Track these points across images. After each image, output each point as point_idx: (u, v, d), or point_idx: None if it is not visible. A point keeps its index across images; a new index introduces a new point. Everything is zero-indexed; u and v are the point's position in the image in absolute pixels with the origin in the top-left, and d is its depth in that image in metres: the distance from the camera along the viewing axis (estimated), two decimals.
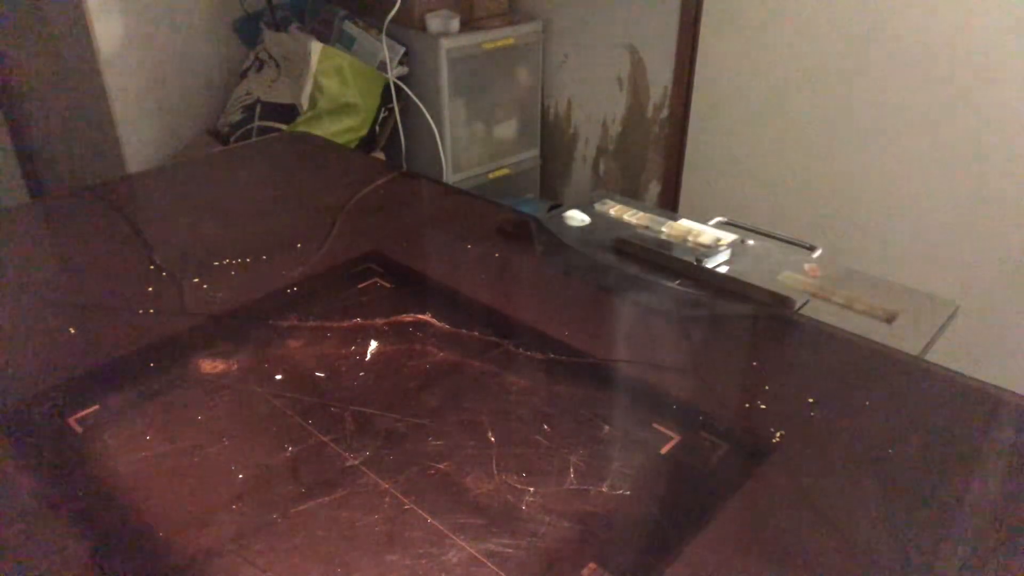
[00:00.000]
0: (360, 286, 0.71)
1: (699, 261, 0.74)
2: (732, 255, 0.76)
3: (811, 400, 0.56)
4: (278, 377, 0.59)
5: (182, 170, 1.09)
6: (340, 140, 1.66)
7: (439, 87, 1.74)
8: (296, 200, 0.91)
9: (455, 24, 1.73)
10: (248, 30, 1.83)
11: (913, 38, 1.24)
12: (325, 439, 0.52)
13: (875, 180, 1.36)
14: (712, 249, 0.76)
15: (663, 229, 0.81)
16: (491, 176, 1.93)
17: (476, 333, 0.63)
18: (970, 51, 1.19)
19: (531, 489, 0.48)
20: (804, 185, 1.46)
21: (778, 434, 0.52)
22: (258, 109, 1.70)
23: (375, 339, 0.63)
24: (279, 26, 1.76)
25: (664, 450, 0.51)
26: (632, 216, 0.85)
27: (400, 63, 1.75)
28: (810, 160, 1.44)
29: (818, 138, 1.41)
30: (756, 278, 0.71)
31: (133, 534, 0.46)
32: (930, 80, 1.24)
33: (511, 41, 1.82)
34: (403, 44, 1.75)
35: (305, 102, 1.66)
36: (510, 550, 0.44)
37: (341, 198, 0.92)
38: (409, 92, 1.76)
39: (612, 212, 0.86)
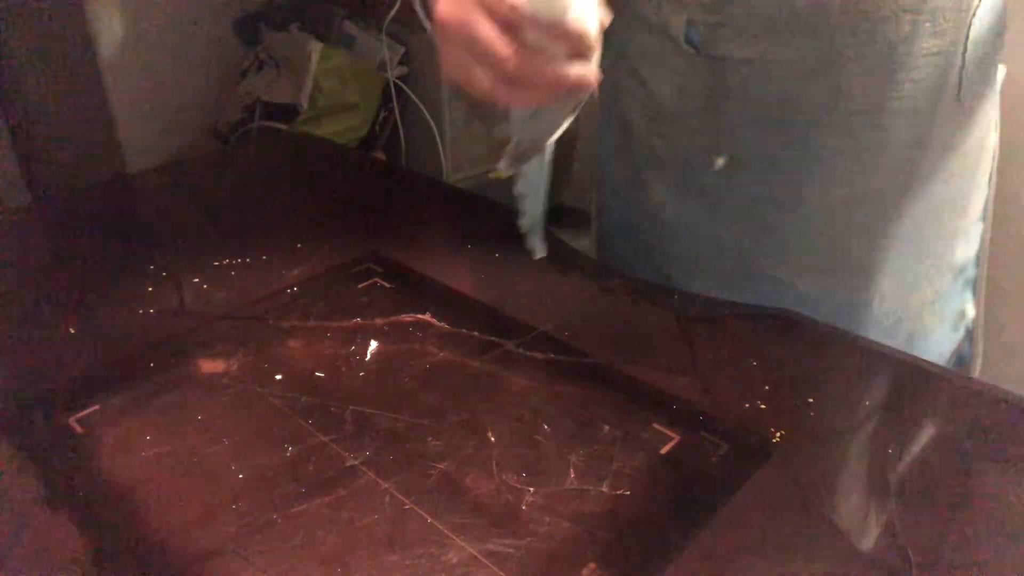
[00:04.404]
0: (360, 286, 0.71)
1: None
2: None
3: (811, 400, 0.56)
4: (278, 377, 0.59)
5: (182, 170, 1.09)
6: (340, 140, 1.65)
7: (439, 87, 1.74)
8: (296, 200, 0.91)
9: None
10: (248, 30, 1.83)
11: None
12: (325, 439, 0.52)
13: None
14: None
15: None
16: (491, 176, 1.93)
17: (476, 333, 0.63)
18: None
19: (531, 489, 0.48)
20: None
21: (778, 434, 0.52)
22: (258, 109, 1.70)
23: (375, 339, 0.63)
24: (279, 26, 1.76)
25: (664, 450, 0.51)
26: None
27: (400, 63, 1.75)
28: None
29: None
30: None
31: (133, 534, 0.46)
32: None
33: None
34: (403, 44, 1.74)
35: (305, 102, 1.66)
36: (510, 550, 0.44)
37: (341, 198, 0.92)
38: (409, 92, 1.76)
39: None
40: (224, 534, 0.45)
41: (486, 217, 0.85)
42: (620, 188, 0.78)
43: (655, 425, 0.54)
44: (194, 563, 0.44)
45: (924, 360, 0.61)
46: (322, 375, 0.59)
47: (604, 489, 0.48)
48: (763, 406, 0.55)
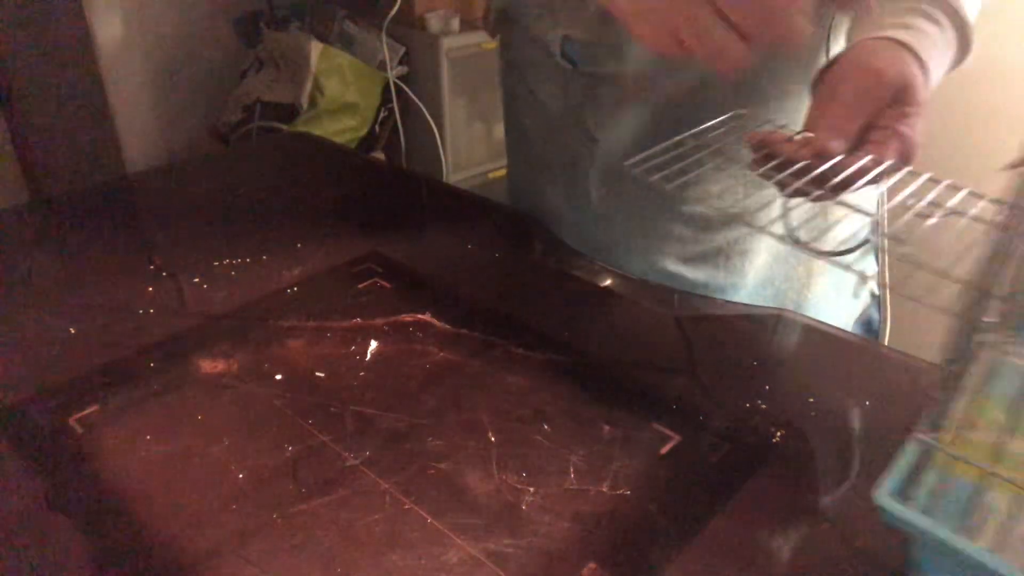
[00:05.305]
0: (360, 286, 0.71)
1: None
2: None
3: (811, 400, 0.56)
4: (278, 377, 0.59)
5: (182, 170, 1.09)
6: (340, 140, 1.66)
7: (439, 87, 1.74)
8: (296, 200, 0.91)
9: (455, 24, 1.73)
10: (248, 30, 1.83)
11: None
12: (325, 439, 0.52)
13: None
14: None
15: None
16: (491, 176, 1.93)
17: (476, 333, 0.63)
18: None
19: (531, 489, 0.48)
20: None
21: (778, 434, 0.52)
22: (258, 109, 1.70)
23: (375, 339, 0.63)
24: (279, 26, 1.76)
25: (664, 450, 0.51)
26: None
27: (400, 63, 1.75)
28: None
29: None
30: None
31: (133, 534, 0.46)
32: None
33: None
34: (403, 44, 1.74)
35: (305, 102, 1.66)
36: (510, 550, 0.44)
37: (341, 198, 0.92)
38: (409, 92, 1.76)
39: None
40: (224, 534, 0.45)
41: (486, 217, 0.85)
42: (522, 186, 0.83)
43: (655, 425, 0.54)
44: (194, 563, 0.44)
45: (924, 360, 0.61)
46: (322, 375, 0.59)
47: (604, 489, 0.48)
48: (763, 406, 0.55)
